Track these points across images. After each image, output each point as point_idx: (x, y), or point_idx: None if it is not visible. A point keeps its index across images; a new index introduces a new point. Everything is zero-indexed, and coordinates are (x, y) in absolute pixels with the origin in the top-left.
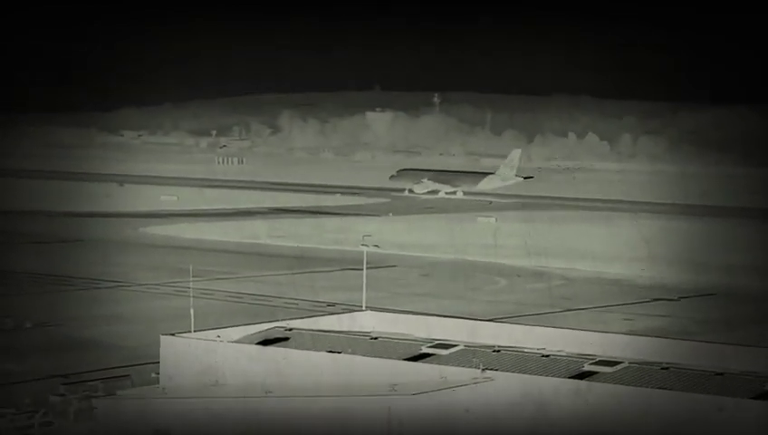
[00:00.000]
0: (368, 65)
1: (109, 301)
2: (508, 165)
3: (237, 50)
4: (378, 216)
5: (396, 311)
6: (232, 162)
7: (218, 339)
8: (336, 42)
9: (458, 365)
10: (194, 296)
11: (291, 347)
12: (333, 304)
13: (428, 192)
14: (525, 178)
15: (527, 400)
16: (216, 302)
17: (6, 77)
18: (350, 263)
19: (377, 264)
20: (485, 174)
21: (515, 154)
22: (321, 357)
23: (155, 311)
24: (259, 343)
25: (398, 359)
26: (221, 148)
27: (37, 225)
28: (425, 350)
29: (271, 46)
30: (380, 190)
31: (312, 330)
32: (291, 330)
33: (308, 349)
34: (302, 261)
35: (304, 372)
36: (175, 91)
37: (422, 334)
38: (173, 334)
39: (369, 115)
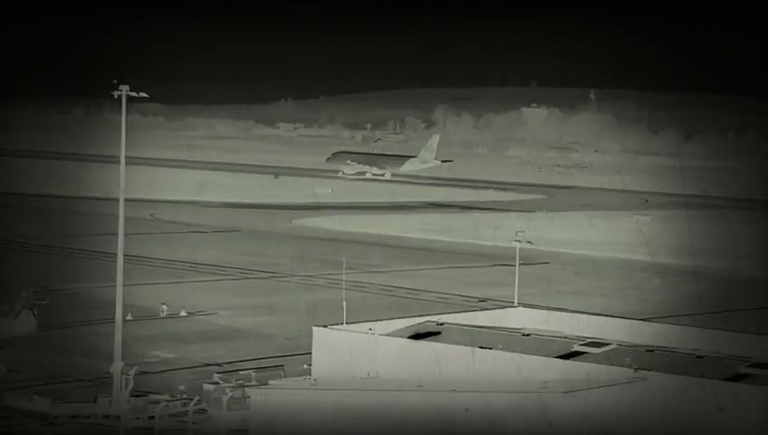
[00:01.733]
0: (524, 61)
1: (262, 291)
2: (428, 149)
3: (392, 44)
4: (531, 212)
5: (548, 308)
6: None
7: (370, 332)
8: (492, 37)
9: (611, 364)
10: (346, 289)
11: (442, 342)
12: (485, 300)
13: (356, 173)
14: (443, 161)
15: (679, 400)
16: (368, 295)
17: (170, 71)
18: (502, 259)
19: (530, 260)
20: (408, 157)
21: (434, 140)
22: (473, 352)
23: (307, 302)
24: (411, 337)
25: (550, 356)
26: (376, 141)
27: (195, 214)
28: (577, 348)
29: (425, 41)
30: (535, 186)
31: (464, 325)
32: (442, 324)
33: (459, 344)
34: (455, 256)
35: (456, 366)
36: (330, 84)
37: (574, 332)
38: (325, 326)
39: (525, 111)
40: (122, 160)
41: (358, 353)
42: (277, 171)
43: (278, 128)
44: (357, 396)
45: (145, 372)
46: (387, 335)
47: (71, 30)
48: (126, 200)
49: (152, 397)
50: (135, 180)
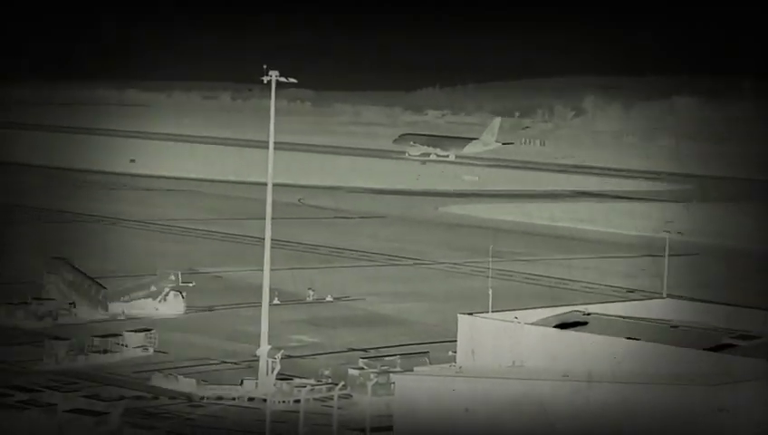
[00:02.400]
0: (673, 49)
1: (407, 278)
2: (489, 132)
3: (539, 31)
4: (681, 202)
5: (697, 299)
6: (534, 144)
7: (516, 320)
8: (642, 26)
9: (761, 357)
10: (492, 277)
11: (588, 332)
12: (633, 290)
13: (421, 154)
14: (504, 143)
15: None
16: (514, 283)
17: (317, 56)
18: (651, 249)
19: (679, 251)
20: (470, 139)
21: (496, 122)
22: (620, 343)
23: (453, 289)
24: (556, 326)
25: (698, 349)
26: (523, 129)
27: (341, 200)
28: (726, 340)
29: (573, 29)
30: (684, 176)
31: (611, 315)
32: (589, 314)
33: (606, 334)
34: (602, 245)
35: (602, 357)
36: (478, 72)
37: (723, 324)
38: (471, 314)
39: (676, 100)
40: (271, 145)
41: (503, 342)
42: (424, 158)
43: (426, 115)
44: (501, 385)
45: (290, 356)
46: (532, 324)
47: (219, 13)
48: (274, 185)
49: (298, 381)
50: (283, 165)
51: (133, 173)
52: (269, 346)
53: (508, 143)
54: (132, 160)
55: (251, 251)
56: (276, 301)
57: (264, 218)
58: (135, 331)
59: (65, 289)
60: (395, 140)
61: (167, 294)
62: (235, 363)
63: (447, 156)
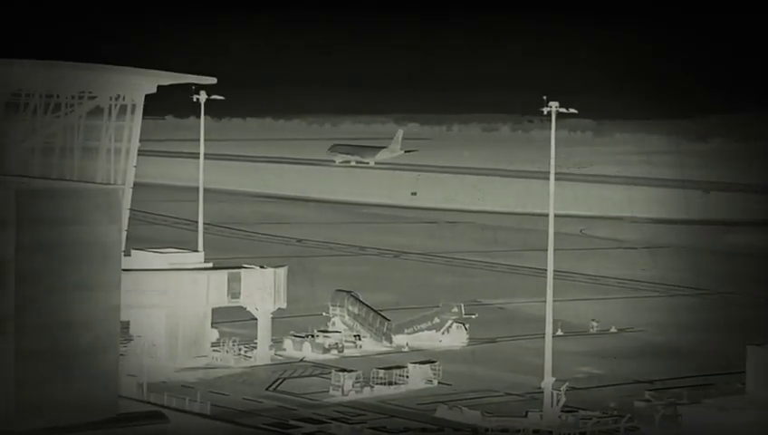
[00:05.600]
0: None
1: (692, 308)
2: (394, 142)
3: None
4: None
5: None
6: None
7: None
8: None
9: None
10: None
11: None
12: None
13: (342, 162)
14: (407, 151)
15: None
16: None
17: (599, 87)
18: None
19: None
20: (380, 148)
21: (399, 133)
22: None
23: (740, 319)
24: None
25: None
26: None
27: (624, 230)
28: None
29: None
30: None
31: None
32: None
33: None
34: None
35: None
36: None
37: None
38: (759, 344)
39: None
40: (552, 176)
41: None
42: (707, 186)
43: (708, 143)
44: None
45: (575, 388)
46: None
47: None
48: (556, 216)
49: (583, 413)
50: (565, 196)
51: (415, 206)
52: (553, 378)
53: (411, 151)
54: (414, 193)
55: (533, 282)
56: (559, 332)
57: (546, 250)
58: (419, 363)
59: (350, 321)
60: (328, 150)
61: (450, 326)
62: (520, 395)
63: (368, 163)
